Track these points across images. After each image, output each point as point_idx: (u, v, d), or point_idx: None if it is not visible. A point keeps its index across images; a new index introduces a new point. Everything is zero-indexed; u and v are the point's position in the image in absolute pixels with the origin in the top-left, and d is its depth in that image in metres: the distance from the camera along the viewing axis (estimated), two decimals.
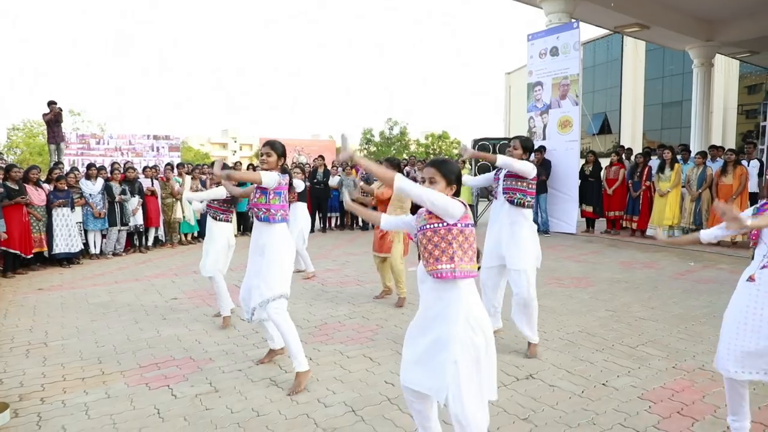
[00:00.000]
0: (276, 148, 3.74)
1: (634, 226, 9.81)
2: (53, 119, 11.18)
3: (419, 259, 2.39)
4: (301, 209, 7.19)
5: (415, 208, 2.66)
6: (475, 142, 11.99)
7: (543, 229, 10.52)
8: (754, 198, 8.48)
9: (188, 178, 10.75)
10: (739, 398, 2.69)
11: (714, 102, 17.66)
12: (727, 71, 17.26)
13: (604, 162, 10.69)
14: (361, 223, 12.54)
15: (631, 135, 20.42)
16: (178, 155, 19.55)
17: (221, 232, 5.17)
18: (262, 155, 3.80)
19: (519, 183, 4.09)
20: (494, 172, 4.30)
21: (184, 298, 6.19)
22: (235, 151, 75.71)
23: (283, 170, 3.81)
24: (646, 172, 9.53)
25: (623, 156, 10.54)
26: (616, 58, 21.31)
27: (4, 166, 7.75)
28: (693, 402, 3.34)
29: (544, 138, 10.82)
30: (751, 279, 2.63)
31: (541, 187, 10.41)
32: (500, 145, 11.57)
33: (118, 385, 3.76)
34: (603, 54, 22.18)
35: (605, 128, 22.40)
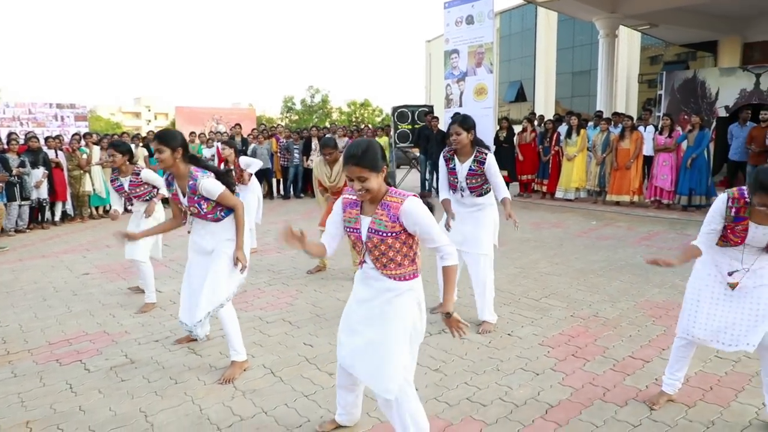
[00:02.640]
0: (166, 141, 3.17)
1: (545, 189, 10.41)
2: None
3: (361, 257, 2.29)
4: (254, 185, 6.84)
5: None
6: (395, 109, 12.11)
7: None
8: (648, 160, 9.24)
9: (96, 148, 10.12)
10: (684, 360, 2.85)
11: (618, 72, 18.82)
12: (629, 42, 18.39)
13: (519, 129, 11.16)
14: (282, 192, 12.43)
15: (545, 102, 21.41)
16: (85, 125, 18.25)
17: (159, 212, 4.81)
18: (155, 151, 3.28)
19: (481, 179, 3.92)
20: (445, 162, 4.02)
21: (96, 273, 5.95)
22: (149, 121, 71.40)
23: (192, 158, 3.31)
24: (555, 138, 10.09)
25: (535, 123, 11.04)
26: (530, 27, 22.06)
27: None
28: (586, 345, 3.72)
29: (460, 105, 11.11)
30: (731, 286, 2.63)
31: None
32: (418, 112, 11.79)
33: (25, 363, 3.62)
34: (518, 23, 22.87)
35: (521, 96, 23.30)
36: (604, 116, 10.27)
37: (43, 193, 8.83)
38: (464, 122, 3.86)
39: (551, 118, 11.36)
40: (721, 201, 2.59)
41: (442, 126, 10.91)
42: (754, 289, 2.60)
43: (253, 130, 13.01)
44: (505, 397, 3.01)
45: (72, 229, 8.94)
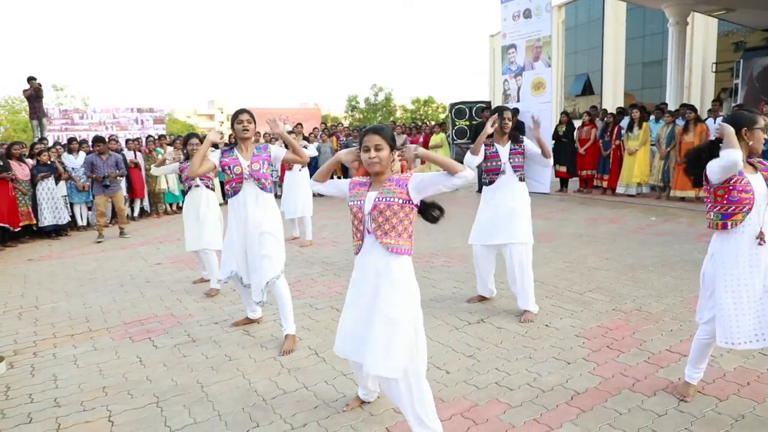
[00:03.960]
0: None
1: (605, 184, 10.14)
2: (33, 95, 11.24)
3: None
4: (304, 176, 7.09)
5: None
6: (452, 106, 12.18)
7: None
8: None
9: (170, 149, 10.91)
10: (705, 356, 2.85)
11: (693, 61, 17.84)
12: (706, 29, 17.36)
13: (579, 123, 10.92)
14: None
15: (613, 95, 20.60)
16: (163, 127, 19.58)
17: (215, 200, 5.22)
18: (243, 122, 3.75)
19: (523, 159, 4.21)
20: (483, 147, 4.12)
21: (167, 263, 6.50)
22: (222, 122, 74.85)
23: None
24: (615, 132, 9.80)
25: (595, 116, 10.77)
26: (598, 18, 21.27)
27: None
28: (623, 337, 3.72)
29: (518, 100, 11.02)
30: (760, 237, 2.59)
31: None
32: (476, 108, 11.79)
33: (104, 340, 4.09)
34: (584, 14, 22.11)
35: (588, 89, 22.53)
36: (674, 108, 9.87)
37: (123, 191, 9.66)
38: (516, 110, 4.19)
39: (610, 112, 11.00)
40: None
41: None
42: None
43: (315, 129, 13.48)
44: (533, 383, 3.11)
45: (148, 224, 9.73)
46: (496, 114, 4.21)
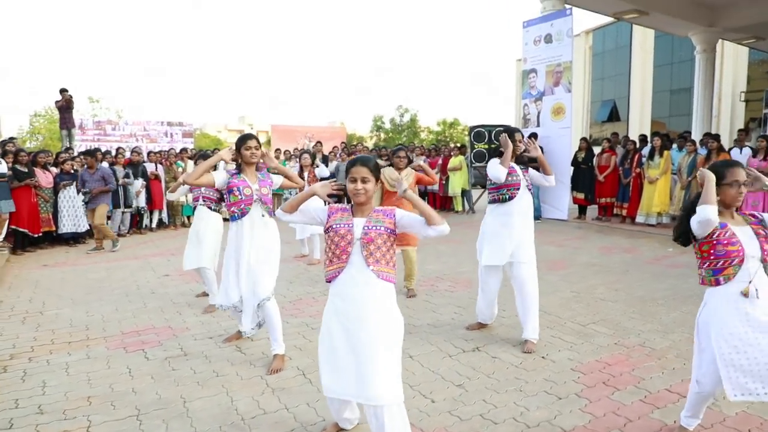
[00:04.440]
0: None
1: (624, 213, 9.92)
2: (65, 106, 11.65)
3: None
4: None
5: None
6: (471, 129, 12.14)
7: (535, 215, 10.68)
8: None
9: (191, 163, 11.13)
10: (702, 406, 2.71)
11: (722, 89, 17.48)
12: (736, 58, 17.02)
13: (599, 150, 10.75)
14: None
15: (640, 122, 20.28)
16: (191, 141, 20.00)
17: (216, 222, 5.18)
18: (251, 148, 3.76)
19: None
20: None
21: (175, 275, 6.57)
22: (268, 139, 76.28)
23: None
24: (636, 159, 9.61)
25: (615, 143, 10.59)
26: (625, 44, 21.07)
27: (13, 150, 8.18)
28: (621, 374, 3.58)
29: (538, 125, 10.93)
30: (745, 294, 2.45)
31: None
32: (495, 132, 11.71)
33: (99, 349, 4.13)
34: (612, 41, 21.94)
35: (614, 116, 22.25)
36: (698, 137, 9.64)
37: (142, 201, 9.86)
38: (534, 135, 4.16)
39: (631, 139, 10.80)
40: None
41: None
42: None
43: (335, 147, 13.59)
44: (519, 418, 3.00)
45: (164, 236, 9.89)
46: (507, 135, 4.17)
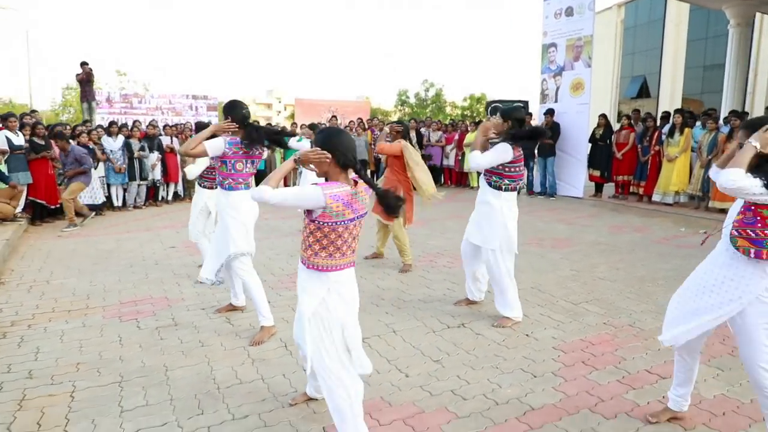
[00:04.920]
0: (230, 110, 3.76)
1: (641, 191, 9.65)
2: (85, 79, 11.85)
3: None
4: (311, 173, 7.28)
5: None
6: (488, 104, 11.92)
7: (549, 193, 10.50)
8: None
9: None
10: (683, 375, 2.64)
11: (759, 65, 16.66)
12: None
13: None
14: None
15: (670, 99, 19.53)
16: (215, 114, 20.15)
17: (200, 197, 5.32)
18: None
19: (497, 166, 3.94)
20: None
21: (181, 247, 6.70)
22: (279, 112, 76.45)
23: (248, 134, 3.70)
24: (655, 137, 9.30)
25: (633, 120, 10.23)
26: (658, 18, 20.18)
27: (31, 122, 8.40)
28: (603, 354, 3.53)
29: (556, 101, 10.64)
30: None
31: (549, 150, 10.35)
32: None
33: (95, 317, 4.26)
34: (645, 14, 21.03)
35: (644, 92, 21.48)
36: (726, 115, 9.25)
37: (157, 174, 10.04)
38: (511, 112, 3.99)
39: (651, 115, 10.42)
40: None
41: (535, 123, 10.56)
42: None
43: (351, 122, 13.53)
44: (490, 394, 3.00)
45: (179, 208, 10.07)
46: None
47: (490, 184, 4.00)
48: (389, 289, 4.97)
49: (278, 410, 2.85)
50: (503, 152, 3.85)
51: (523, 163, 3.95)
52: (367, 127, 13.05)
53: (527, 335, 3.84)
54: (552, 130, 10.17)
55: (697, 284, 2.52)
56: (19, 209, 7.74)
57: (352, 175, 2.40)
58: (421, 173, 5.46)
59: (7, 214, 7.23)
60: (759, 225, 2.25)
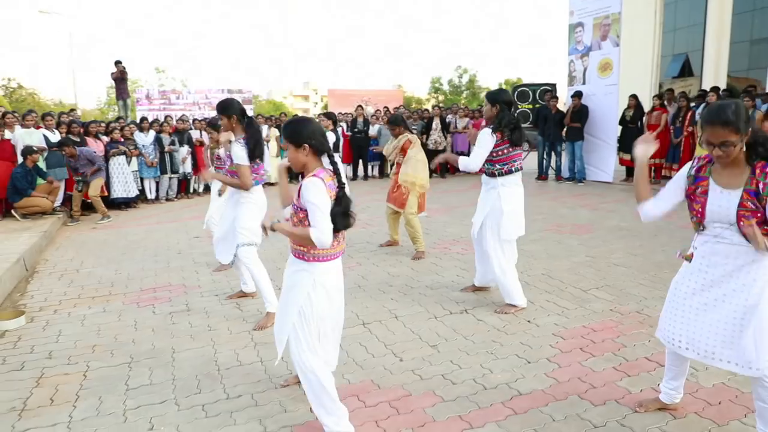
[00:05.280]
0: (222, 110, 3.89)
1: (674, 174, 9.29)
2: (119, 77, 12.31)
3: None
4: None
5: None
6: (515, 88, 11.70)
7: (578, 178, 10.25)
8: None
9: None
10: (676, 369, 2.57)
11: None
12: None
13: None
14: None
15: (714, 77, 18.58)
16: (250, 107, 20.58)
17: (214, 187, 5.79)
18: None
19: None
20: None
21: (204, 236, 6.92)
22: (316, 103, 77.11)
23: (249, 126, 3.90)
24: (688, 117, 8.93)
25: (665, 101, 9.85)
26: None
27: (67, 121, 8.81)
28: (603, 340, 3.48)
29: (584, 82, 10.34)
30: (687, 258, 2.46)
31: (577, 133, 10.09)
32: (540, 91, 11.23)
33: (116, 304, 4.49)
34: None
35: (686, 71, 20.51)
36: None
37: (188, 167, 10.37)
38: (495, 96, 3.97)
39: (684, 94, 9.99)
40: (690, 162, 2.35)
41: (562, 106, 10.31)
42: (733, 292, 2.27)
43: (377, 111, 13.56)
44: (480, 379, 3.02)
45: (209, 200, 10.36)
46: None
47: (485, 173, 4.02)
48: (399, 275, 5.02)
49: (270, 391, 2.96)
50: (486, 141, 3.85)
51: (509, 145, 3.90)
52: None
53: (529, 321, 3.82)
54: (579, 113, 9.91)
55: None
56: (57, 203, 8.16)
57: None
58: (415, 167, 5.50)
59: (46, 208, 7.64)
60: None
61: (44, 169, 7.96)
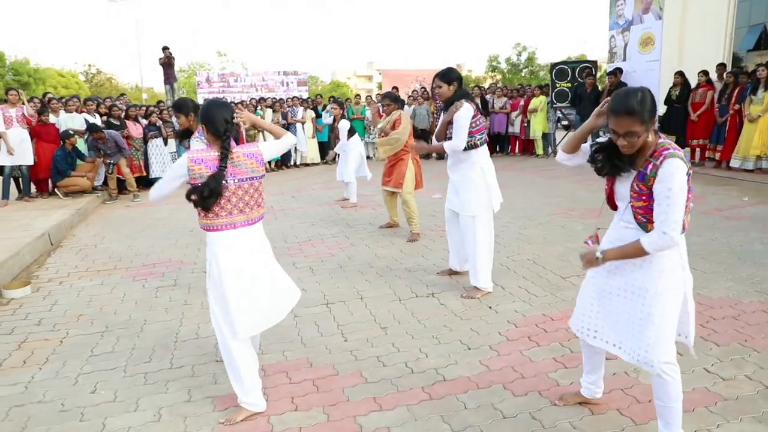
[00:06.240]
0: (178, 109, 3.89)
1: (718, 156, 8.64)
2: (166, 63, 12.90)
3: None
4: (354, 143, 7.56)
5: None
6: (553, 66, 11.20)
7: None
8: None
9: (269, 111, 11.83)
10: (591, 361, 2.50)
11: None
12: None
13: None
14: (434, 155, 12.68)
15: None
16: (305, 89, 20.99)
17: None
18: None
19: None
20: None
21: None
22: (380, 84, 77.23)
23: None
24: (735, 95, 8.23)
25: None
26: None
27: (108, 104, 9.39)
28: (556, 330, 3.38)
29: (624, 59, 9.74)
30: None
31: None
32: (579, 69, 10.70)
33: (114, 277, 4.83)
34: None
35: (762, 43, 18.72)
36: None
37: None
38: (446, 74, 3.90)
39: (730, 70, 9.19)
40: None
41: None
42: (635, 283, 2.15)
43: (414, 92, 13.44)
44: (411, 363, 3.03)
45: None
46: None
47: (466, 148, 3.90)
48: (384, 257, 5.05)
49: (210, 364, 3.12)
50: (466, 116, 3.80)
51: (480, 115, 3.89)
52: (428, 96, 12.89)
53: (490, 307, 3.76)
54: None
55: None
56: (98, 183, 8.76)
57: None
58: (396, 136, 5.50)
59: (85, 187, 8.24)
60: None
61: (84, 152, 8.56)
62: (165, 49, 12.92)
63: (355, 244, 5.54)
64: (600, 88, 10.17)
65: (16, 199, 8.10)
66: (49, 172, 8.10)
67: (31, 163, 7.96)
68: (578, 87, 10.38)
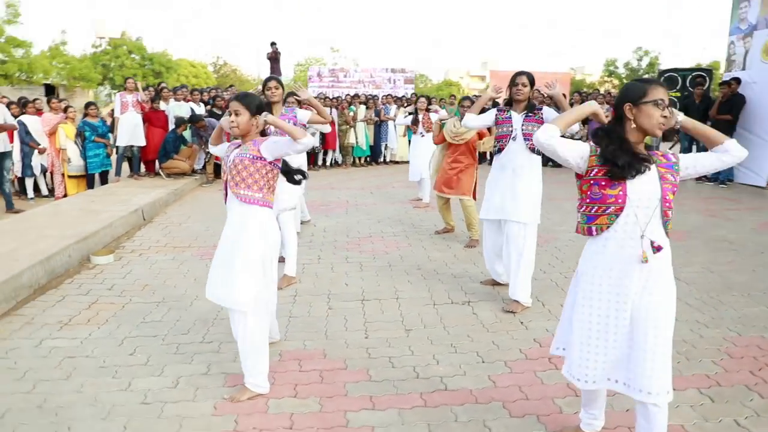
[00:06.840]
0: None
1: None
2: (273, 57, 13.72)
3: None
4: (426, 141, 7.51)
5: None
6: (661, 73, 10.35)
7: (722, 179, 8.78)
8: None
9: (362, 107, 12.15)
10: (592, 395, 2.33)
11: None
12: None
13: None
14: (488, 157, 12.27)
15: None
16: (411, 87, 21.26)
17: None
18: (270, 89, 4.33)
19: (538, 126, 3.70)
20: (495, 112, 3.93)
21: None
22: (488, 84, 75.69)
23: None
24: None
25: None
26: None
27: (213, 95, 10.21)
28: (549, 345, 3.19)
29: (743, 68, 8.75)
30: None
31: (727, 127, 8.61)
32: (690, 78, 9.78)
33: (185, 254, 5.29)
34: None
35: None
36: None
37: (316, 141, 11.26)
38: (531, 77, 3.80)
39: None
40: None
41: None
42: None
43: (452, 96, 13.10)
44: (419, 368, 3.04)
45: (334, 173, 11.19)
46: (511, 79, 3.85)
47: (534, 150, 3.76)
48: (435, 260, 5.05)
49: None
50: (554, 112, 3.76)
51: None
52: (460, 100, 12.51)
53: (521, 323, 3.64)
54: (731, 103, 8.46)
55: None
56: (198, 166, 9.58)
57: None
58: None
59: (185, 170, 9.05)
60: None
61: (187, 138, 9.39)
62: (273, 44, 13.76)
63: (412, 245, 5.58)
64: (712, 97, 9.22)
65: (127, 177, 9.12)
66: (157, 153, 8.99)
67: (143, 144, 8.90)
68: (687, 98, 9.50)
